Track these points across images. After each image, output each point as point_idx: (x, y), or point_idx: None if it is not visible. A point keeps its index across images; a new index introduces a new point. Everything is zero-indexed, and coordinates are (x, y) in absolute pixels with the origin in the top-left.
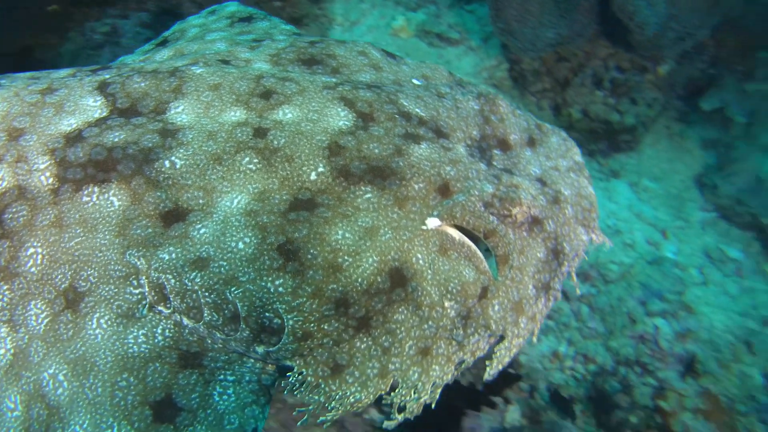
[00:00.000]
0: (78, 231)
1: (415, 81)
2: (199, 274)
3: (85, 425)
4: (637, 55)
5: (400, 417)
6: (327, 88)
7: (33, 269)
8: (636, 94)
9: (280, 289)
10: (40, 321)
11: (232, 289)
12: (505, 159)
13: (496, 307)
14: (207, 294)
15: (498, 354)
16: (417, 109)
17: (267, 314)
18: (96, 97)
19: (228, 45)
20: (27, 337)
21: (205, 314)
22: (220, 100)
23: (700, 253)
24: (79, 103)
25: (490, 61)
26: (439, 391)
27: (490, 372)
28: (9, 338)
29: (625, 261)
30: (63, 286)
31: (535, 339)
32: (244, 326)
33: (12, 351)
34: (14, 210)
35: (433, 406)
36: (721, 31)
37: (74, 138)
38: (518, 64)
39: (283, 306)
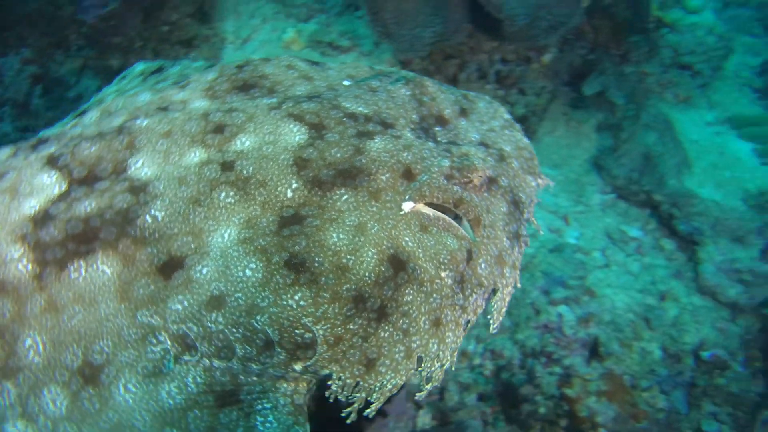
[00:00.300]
0: (76, 309)
1: (345, 82)
2: (219, 314)
3: None
4: (520, 46)
5: (429, 386)
6: (273, 109)
7: (36, 359)
8: (523, 84)
9: (302, 302)
10: (59, 405)
11: (257, 317)
12: (447, 133)
13: (483, 265)
14: (234, 330)
15: (496, 306)
16: (359, 108)
17: (297, 331)
18: (49, 172)
19: (152, 94)
20: (50, 423)
21: (238, 350)
22: (177, 145)
23: (601, 235)
24: (33, 183)
25: (382, 65)
26: (456, 354)
27: (494, 325)
28: (29, 430)
29: (527, 252)
30: (76, 365)
31: (518, 284)
32: (279, 350)
33: None
34: (3, 306)
35: (453, 368)
36: (596, 17)
37: (42, 218)
38: (409, 65)
39: (310, 318)
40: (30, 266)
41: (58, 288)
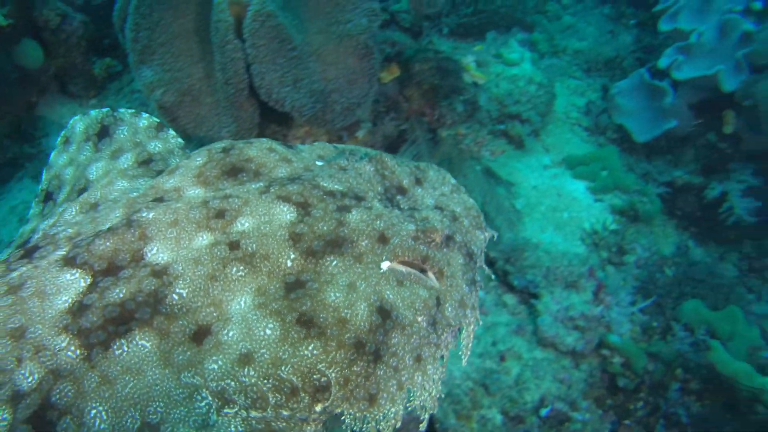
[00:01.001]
0: (128, 379)
1: (318, 162)
2: (251, 368)
3: None
4: (327, 128)
5: (426, 415)
6: (263, 193)
7: (102, 426)
8: None
9: (315, 351)
10: None
11: (282, 368)
12: (407, 200)
13: (449, 309)
14: (266, 381)
15: (464, 342)
16: (335, 186)
17: (315, 376)
18: (71, 271)
19: (128, 181)
20: None
21: (270, 399)
22: (185, 231)
23: None
24: (58, 283)
25: None
26: (440, 384)
27: (465, 358)
28: None
29: None
30: (136, 426)
31: (480, 323)
32: (303, 394)
33: None
34: (59, 391)
35: (442, 396)
36: (407, 86)
37: (78, 309)
38: None
39: (323, 364)
40: (78, 351)
41: (107, 364)
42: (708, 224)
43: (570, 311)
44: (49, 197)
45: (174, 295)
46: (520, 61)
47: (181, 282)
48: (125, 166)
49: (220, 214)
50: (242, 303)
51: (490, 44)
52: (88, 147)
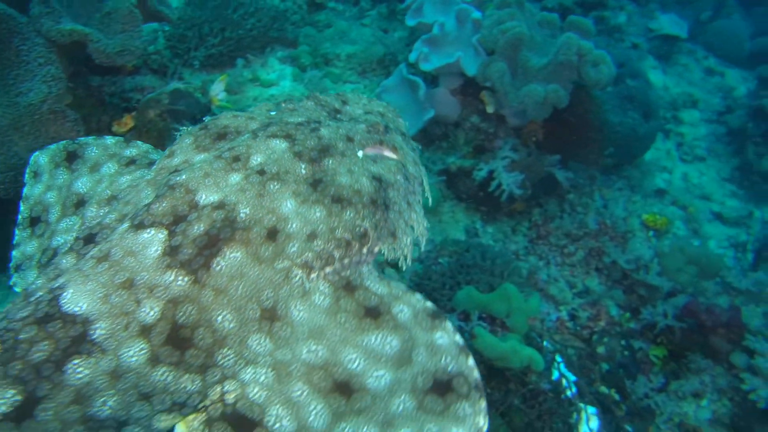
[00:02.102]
0: (236, 283)
1: (272, 113)
2: (318, 240)
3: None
4: None
5: (424, 239)
6: (255, 138)
7: (231, 324)
8: None
9: (351, 214)
10: (263, 343)
11: (337, 232)
12: (345, 115)
13: (410, 167)
14: (330, 244)
15: (425, 188)
16: (298, 119)
17: (357, 229)
18: (146, 231)
19: (129, 175)
20: (266, 357)
21: (336, 254)
22: (219, 177)
23: None
24: (141, 242)
25: None
26: (425, 223)
27: (429, 198)
28: (256, 370)
29: None
30: (257, 314)
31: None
32: (354, 243)
33: (272, 373)
34: (183, 313)
35: (427, 232)
36: (143, 135)
37: (171, 251)
38: None
39: (359, 219)
40: (186, 278)
41: (214, 280)
42: (491, 203)
43: None
44: (36, 221)
45: (241, 214)
46: (279, 80)
47: (240, 206)
48: (113, 171)
49: (236, 159)
50: (288, 205)
51: (240, 70)
52: (61, 171)
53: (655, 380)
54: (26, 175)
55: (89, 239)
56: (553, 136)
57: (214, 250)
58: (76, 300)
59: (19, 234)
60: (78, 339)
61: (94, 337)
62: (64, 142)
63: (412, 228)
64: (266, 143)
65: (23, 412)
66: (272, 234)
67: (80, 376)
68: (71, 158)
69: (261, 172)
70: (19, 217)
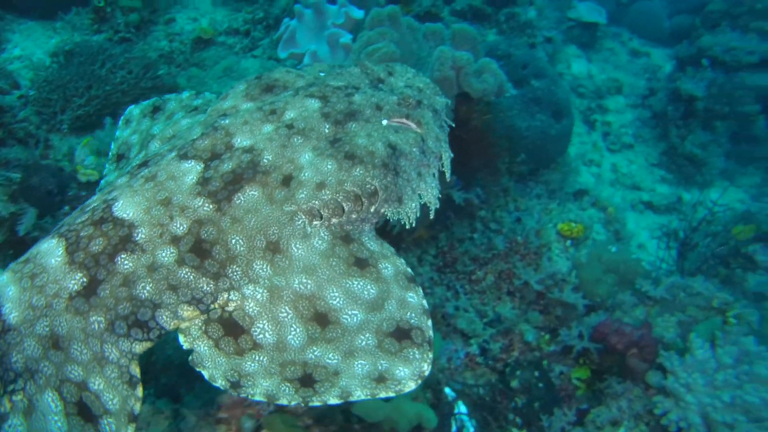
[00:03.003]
0: (249, 216)
1: (321, 74)
2: (326, 190)
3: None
4: None
5: (433, 207)
6: (295, 96)
7: (242, 248)
8: None
9: (361, 172)
10: (266, 270)
11: (346, 185)
12: (387, 86)
13: (430, 142)
14: (338, 195)
15: (445, 165)
16: (339, 83)
17: (366, 186)
18: (187, 161)
19: (189, 118)
20: (265, 280)
21: (345, 207)
22: (255, 126)
23: None
24: (182, 169)
25: None
26: (437, 189)
27: (448, 174)
28: (256, 288)
29: None
30: (264, 245)
31: (451, 153)
32: (363, 199)
33: (267, 294)
34: (205, 232)
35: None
36: None
37: (203, 181)
38: None
39: (368, 178)
40: (211, 206)
41: (233, 211)
42: (391, 236)
43: None
44: (120, 158)
45: (264, 160)
46: None
47: (265, 152)
48: (179, 117)
49: (273, 112)
50: (306, 156)
51: (111, 129)
52: (146, 120)
53: (574, 409)
54: (120, 122)
55: (144, 165)
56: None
57: (237, 187)
58: (125, 208)
59: (107, 167)
60: (124, 238)
61: (137, 238)
62: (154, 98)
63: (420, 197)
64: (302, 101)
65: (89, 290)
66: (287, 180)
67: (127, 266)
68: (155, 110)
69: (289, 126)
70: (110, 153)
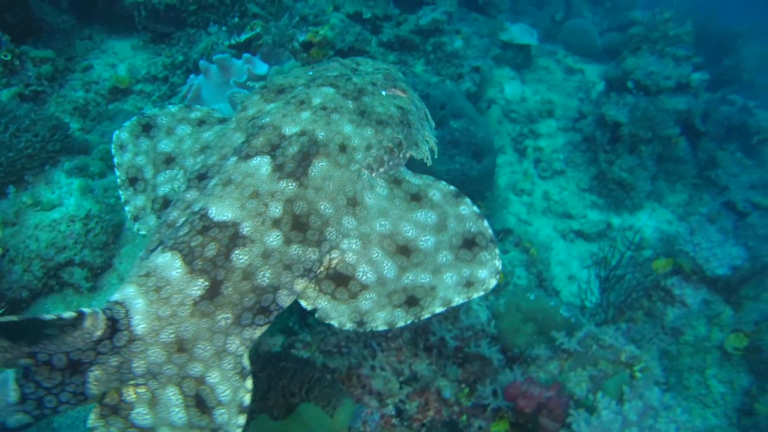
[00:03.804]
0: (327, 182)
1: (309, 73)
2: (372, 150)
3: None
4: None
5: (432, 156)
6: (308, 88)
7: (329, 210)
8: None
9: (389, 131)
10: (353, 223)
11: (383, 142)
12: (361, 70)
13: (417, 102)
14: (380, 151)
15: (431, 120)
16: (333, 73)
17: (395, 139)
18: (253, 159)
19: (209, 130)
20: (356, 231)
21: (386, 158)
22: (293, 115)
23: None
24: (253, 166)
25: None
26: (434, 140)
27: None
28: (350, 241)
29: None
30: (343, 202)
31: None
32: (396, 150)
33: (359, 242)
34: (298, 207)
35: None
36: None
37: (278, 167)
38: None
39: (395, 133)
40: (293, 183)
41: (312, 182)
42: None
43: None
44: (134, 180)
45: (319, 137)
46: (62, 199)
47: (317, 131)
48: (189, 131)
49: (302, 102)
50: (348, 128)
51: (15, 197)
52: (142, 140)
53: None
54: (113, 149)
55: (202, 177)
56: None
57: (307, 162)
58: (222, 212)
59: (123, 193)
60: (233, 236)
61: (244, 232)
62: (135, 117)
63: (427, 141)
64: (319, 89)
65: (212, 292)
66: (343, 147)
67: (243, 260)
68: (147, 128)
69: (324, 108)
70: (118, 180)
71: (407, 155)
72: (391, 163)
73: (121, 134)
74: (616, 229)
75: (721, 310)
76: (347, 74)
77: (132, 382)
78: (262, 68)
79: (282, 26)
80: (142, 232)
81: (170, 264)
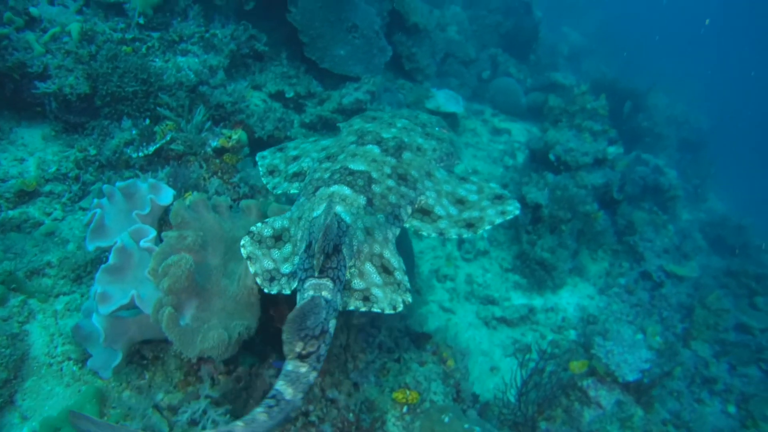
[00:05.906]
0: (413, 161)
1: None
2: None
3: None
4: None
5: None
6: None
7: (417, 174)
8: None
9: (430, 144)
10: (428, 184)
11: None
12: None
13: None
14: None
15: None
16: (391, 134)
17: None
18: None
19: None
20: (433, 188)
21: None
22: (357, 160)
23: None
24: (367, 151)
25: None
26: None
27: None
28: (429, 193)
29: None
30: (424, 173)
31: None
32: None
33: (434, 194)
34: (403, 168)
35: None
36: None
37: (385, 152)
38: None
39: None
40: (394, 159)
41: (404, 161)
42: None
43: None
44: (272, 172)
45: (405, 141)
46: None
47: (403, 138)
48: (311, 140)
49: (390, 124)
50: (419, 140)
51: None
52: (277, 154)
53: None
54: (258, 158)
55: (329, 157)
56: (266, 333)
57: (400, 151)
58: (357, 166)
59: (265, 179)
60: (368, 178)
61: (374, 176)
62: (276, 147)
63: (459, 158)
64: (399, 120)
65: (369, 203)
66: (419, 148)
67: (377, 189)
68: (279, 150)
69: (404, 128)
70: (261, 170)
71: (455, 162)
72: (446, 162)
73: (264, 153)
74: (539, 310)
75: (633, 412)
76: (414, 115)
77: (350, 263)
78: (166, 198)
79: (193, 130)
80: (278, 191)
81: (341, 190)
